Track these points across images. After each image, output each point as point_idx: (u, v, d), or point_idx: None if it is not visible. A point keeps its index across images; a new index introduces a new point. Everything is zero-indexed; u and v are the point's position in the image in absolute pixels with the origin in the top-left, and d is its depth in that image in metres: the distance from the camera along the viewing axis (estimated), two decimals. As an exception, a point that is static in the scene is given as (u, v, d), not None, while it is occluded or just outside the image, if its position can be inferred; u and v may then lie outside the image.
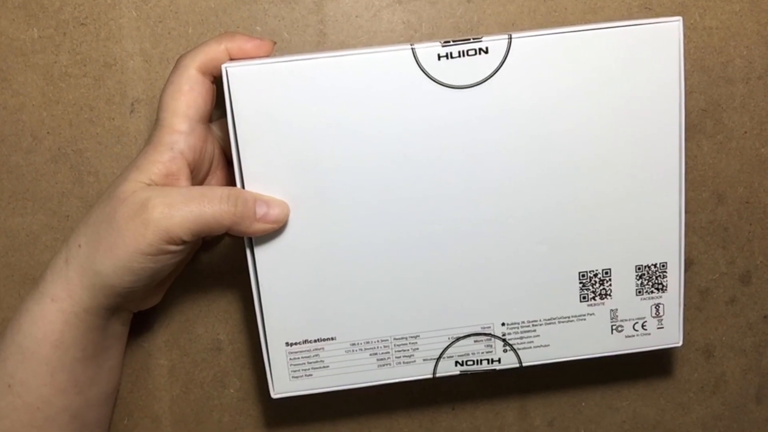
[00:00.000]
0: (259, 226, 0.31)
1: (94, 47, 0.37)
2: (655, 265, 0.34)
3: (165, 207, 0.29)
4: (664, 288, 0.35)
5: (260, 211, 0.31)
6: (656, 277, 0.34)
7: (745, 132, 0.40)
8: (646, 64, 0.32)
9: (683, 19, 0.32)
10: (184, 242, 0.30)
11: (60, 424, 0.32)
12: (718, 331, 0.42)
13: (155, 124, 0.31)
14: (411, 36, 0.38)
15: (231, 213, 0.30)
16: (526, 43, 0.31)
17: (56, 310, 0.31)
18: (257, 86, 0.30)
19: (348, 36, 0.37)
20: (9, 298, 0.38)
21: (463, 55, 0.31)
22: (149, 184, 0.30)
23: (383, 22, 0.37)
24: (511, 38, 0.31)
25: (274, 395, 0.34)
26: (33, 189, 0.38)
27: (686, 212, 0.35)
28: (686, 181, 0.34)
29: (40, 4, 0.36)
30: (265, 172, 0.31)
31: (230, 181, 0.35)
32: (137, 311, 0.36)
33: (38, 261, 0.38)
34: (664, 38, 0.32)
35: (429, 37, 0.38)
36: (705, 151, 0.40)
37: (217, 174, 0.35)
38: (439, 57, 0.31)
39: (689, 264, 0.41)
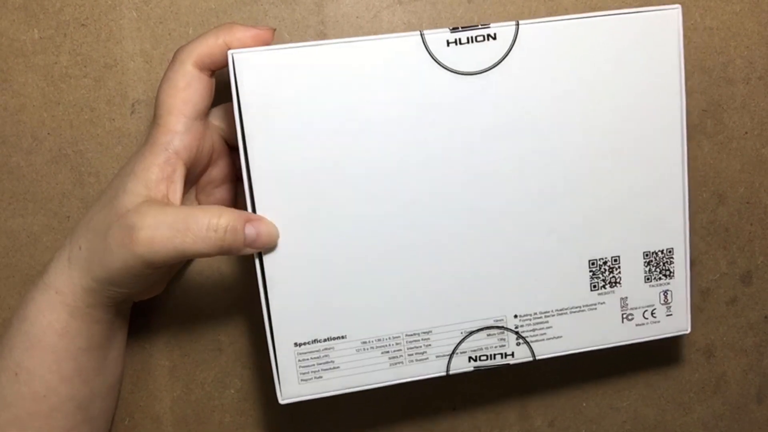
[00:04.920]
0: (248, 251, 0.30)
1: (95, 48, 0.37)
2: (662, 251, 0.35)
3: (148, 242, 0.28)
4: (671, 274, 0.35)
5: (250, 235, 0.30)
6: (663, 263, 0.35)
7: (746, 132, 0.40)
8: (647, 50, 0.33)
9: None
10: (171, 266, 0.29)
11: (65, 414, 0.32)
12: (719, 331, 0.42)
13: (152, 121, 0.31)
14: (411, 36, 0.38)
15: (218, 246, 0.29)
16: (534, 29, 0.32)
17: (60, 302, 0.31)
18: (264, 73, 0.30)
19: (348, 37, 0.37)
20: (9, 299, 0.38)
21: (472, 41, 0.31)
22: (146, 197, 0.30)
23: (384, 22, 0.37)
24: (518, 25, 0.31)
25: (282, 401, 0.32)
26: (33, 190, 0.38)
27: (687, 211, 0.35)
28: (687, 180, 0.34)
29: (41, 5, 0.36)
30: (272, 164, 0.31)
31: (234, 169, 0.35)
32: (140, 300, 0.36)
33: (39, 262, 0.38)
34: (663, 25, 0.33)
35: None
36: (706, 151, 0.40)
37: (219, 164, 0.35)
38: (448, 43, 0.31)
39: (690, 264, 0.41)
